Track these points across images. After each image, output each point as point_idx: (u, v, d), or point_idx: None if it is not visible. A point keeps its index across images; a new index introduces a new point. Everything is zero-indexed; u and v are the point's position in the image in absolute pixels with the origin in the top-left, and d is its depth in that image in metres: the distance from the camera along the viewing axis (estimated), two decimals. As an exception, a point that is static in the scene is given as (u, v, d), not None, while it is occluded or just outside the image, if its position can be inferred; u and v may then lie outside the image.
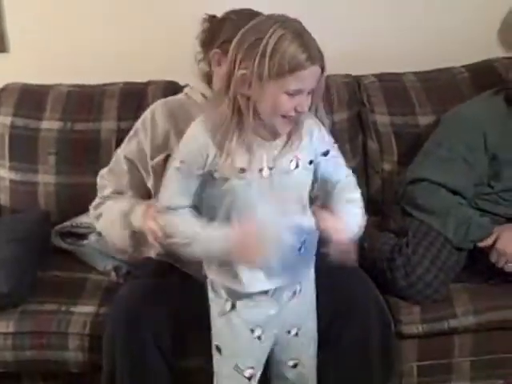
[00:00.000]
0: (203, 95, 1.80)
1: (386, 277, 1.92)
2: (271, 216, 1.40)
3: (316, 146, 1.45)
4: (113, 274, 1.96)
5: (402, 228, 2.02)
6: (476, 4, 2.44)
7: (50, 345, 1.78)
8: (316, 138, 1.44)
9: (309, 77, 1.32)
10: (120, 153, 1.84)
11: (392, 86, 2.32)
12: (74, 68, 2.33)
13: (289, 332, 1.52)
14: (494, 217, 2.01)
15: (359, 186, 2.21)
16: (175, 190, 1.41)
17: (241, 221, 1.38)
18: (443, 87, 2.31)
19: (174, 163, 1.42)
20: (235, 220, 1.40)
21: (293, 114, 1.35)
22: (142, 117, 1.83)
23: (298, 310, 1.51)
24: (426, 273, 1.90)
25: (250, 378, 1.49)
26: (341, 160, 1.52)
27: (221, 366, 1.50)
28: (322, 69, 1.35)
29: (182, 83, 2.25)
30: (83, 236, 2.09)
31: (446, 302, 1.91)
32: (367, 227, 2.13)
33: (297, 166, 1.42)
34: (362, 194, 2.21)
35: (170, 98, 1.88)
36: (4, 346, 1.78)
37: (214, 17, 1.75)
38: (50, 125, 2.20)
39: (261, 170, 1.39)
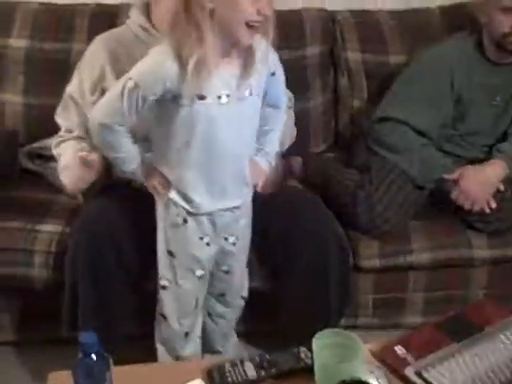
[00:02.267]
0: (142, 28, 1.77)
1: (348, 211, 1.97)
2: (231, 144, 1.47)
3: (266, 71, 1.47)
4: (80, 196, 1.96)
5: (366, 164, 2.06)
6: None
7: (15, 261, 1.80)
8: (264, 61, 1.45)
9: None
10: (67, 91, 1.84)
11: (366, 23, 2.32)
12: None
13: (226, 239, 1.60)
14: (457, 159, 2.06)
15: (328, 122, 2.27)
16: (118, 108, 1.41)
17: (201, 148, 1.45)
18: (417, 27, 2.31)
19: (126, 83, 1.40)
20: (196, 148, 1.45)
21: (256, 18, 1.33)
22: (84, 54, 1.84)
23: (237, 225, 1.60)
24: (386, 209, 1.95)
25: (200, 278, 1.60)
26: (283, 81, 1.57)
27: (174, 267, 1.58)
28: None
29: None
30: (52, 158, 2.07)
31: (404, 238, 1.96)
32: (333, 162, 2.21)
33: (250, 94, 1.45)
34: (331, 129, 2.31)
35: (110, 33, 1.85)
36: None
37: None
38: (18, 43, 2.15)
39: (219, 97, 1.41)
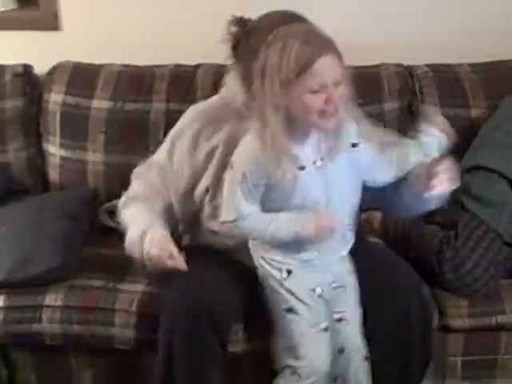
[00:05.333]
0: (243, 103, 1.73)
1: (434, 269, 1.90)
2: (334, 204, 1.53)
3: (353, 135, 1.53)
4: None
5: (449, 220, 1.99)
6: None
7: (96, 320, 1.80)
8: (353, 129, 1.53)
9: (323, 68, 1.37)
10: (154, 158, 1.83)
11: (445, 76, 2.28)
12: (125, 48, 2.34)
13: (333, 287, 1.60)
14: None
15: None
16: (242, 199, 1.50)
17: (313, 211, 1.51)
18: (498, 80, 2.25)
19: (234, 178, 1.50)
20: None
21: (325, 108, 1.40)
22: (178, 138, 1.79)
23: (338, 270, 1.61)
24: (475, 267, 1.87)
25: (325, 329, 1.59)
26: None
27: (298, 325, 1.56)
28: (338, 55, 1.40)
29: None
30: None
31: (495, 297, 1.88)
32: (413, 220, 2.15)
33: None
34: None
35: (207, 108, 1.83)
36: (52, 318, 1.80)
37: (241, 19, 1.69)
38: (100, 104, 2.21)
39: (314, 163, 1.50)
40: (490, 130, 2.03)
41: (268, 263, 1.58)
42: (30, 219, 1.92)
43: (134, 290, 1.83)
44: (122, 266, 1.92)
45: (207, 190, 1.71)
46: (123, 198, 1.83)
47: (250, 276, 1.65)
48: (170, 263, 1.63)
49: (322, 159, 1.50)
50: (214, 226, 1.69)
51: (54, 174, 2.23)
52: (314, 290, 1.57)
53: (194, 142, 1.74)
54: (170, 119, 2.13)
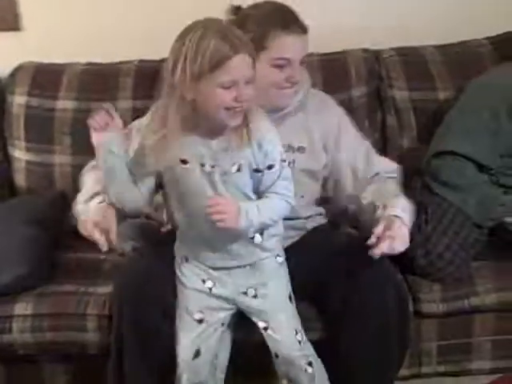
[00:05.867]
0: None
1: (406, 255, 1.89)
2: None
3: (263, 158, 1.50)
4: (132, 255, 1.95)
5: (420, 204, 1.99)
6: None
7: (68, 326, 1.79)
8: (265, 151, 1.49)
9: (236, 66, 1.39)
10: (135, 123, 1.84)
11: (411, 60, 2.28)
12: (89, 46, 2.31)
13: (245, 293, 1.59)
14: (517, 193, 1.98)
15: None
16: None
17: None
18: (465, 60, 2.25)
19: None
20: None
21: (234, 104, 1.41)
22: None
23: (251, 274, 1.60)
24: (446, 250, 1.88)
25: (200, 321, 1.59)
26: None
27: (178, 308, 1.61)
28: (251, 56, 1.42)
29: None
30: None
31: (467, 280, 1.89)
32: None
33: (238, 170, 1.50)
34: None
35: None
36: (23, 328, 1.78)
37: (238, 8, 1.70)
38: (65, 104, 2.19)
39: (203, 166, 1.49)
40: (456, 115, 2.02)
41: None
42: (-4, 225, 1.90)
43: (105, 292, 1.81)
44: (93, 270, 1.91)
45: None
46: (86, 167, 1.81)
47: None
48: (96, 234, 1.59)
49: (212, 167, 1.49)
50: None
51: (20, 179, 2.21)
52: (204, 282, 1.59)
53: None
54: (137, 116, 2.12)
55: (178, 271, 1.63)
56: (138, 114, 2.13)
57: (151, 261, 1.68)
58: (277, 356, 1.62)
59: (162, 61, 2.23)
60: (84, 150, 2.14)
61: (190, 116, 1.46)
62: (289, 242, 1.76)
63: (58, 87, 2.21)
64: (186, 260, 1.62)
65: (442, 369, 1.96)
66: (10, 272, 1.79)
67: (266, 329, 1.61)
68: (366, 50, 2.30)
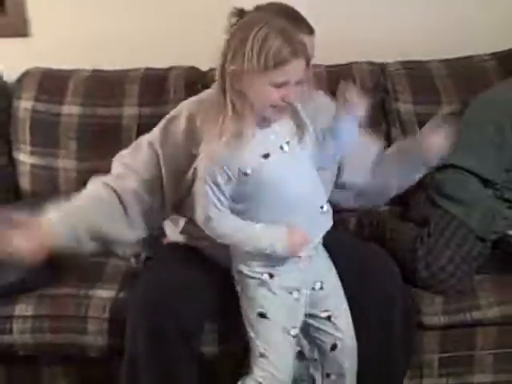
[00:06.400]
0: None
1: (408, 267, 1.90)
2: (304, 189, 1.52)
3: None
4: (132, 259, 1.96)
5: (424, 217, 2.00)
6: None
7: (68, 328, 1.79)
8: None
9: (293, 69, 1.43)
10: (145, 137, 1.75)
11: (417, 73, 2.29)
12: (96, 53, 2.32)
13: (313, 288, 1.59)
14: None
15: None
16: (209, 202, 1.50)
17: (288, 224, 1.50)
18: (470, 75, 2.26)
19: (201, 182, 1.51)
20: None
21: (281, 103, 1.45)
22: (174, 119, 1.73)
23: (317, 267, 1.59)
24: (448, 263, 1.87)
25: (294, 337, 1.58)
26: None
27: (269, 330, 1.55)
28: (307, 61, 1.47)
29: (203, 69, 2.25)
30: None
31: (470, 293, 1.88)
32: (388, 215, 2.15)
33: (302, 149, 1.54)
34: None
35: (201, 99, 1.77)
36: (23, 329, 1.78)
37: (242, 11, 1.70)
38: (70, 110, 2.20)
39: (281, 148, 1.50)
40: (461, 129, 2.02)
41: (247, 268, 1.56)
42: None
43: (106, 296, 1.82)
44: (94, 273, 1.91)
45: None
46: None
47: (225, 277, 1.63)
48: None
49: (287, 143, 1.51)
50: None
51: (25, 182, 2.21)
52: (291, 293, 1.55)
53: (190, 124, 1.68)
54: (143, 123, 2.14)
55: (265, 290, 1.55)
56: (143, 120, 2.16)
57: (176, 276, 1.66)
58: (334, 348, 1.61)
59: (169, 69, 2.28)
60: (89, 155, 2.19)
61: (242, 108, 1.46)
62: None
63: (64, 93, 2.22)
64: (271, 276, 1.55)
65: (443, 381, 1.94)
66: (12, 274, 1.78)
67: (329, 318, 1.60)
68: (371, 63, 2.31)
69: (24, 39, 2.36)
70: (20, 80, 2.26)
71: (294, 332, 1.56)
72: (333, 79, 2.25)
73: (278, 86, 1.43)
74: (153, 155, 1.69)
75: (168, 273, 1.68)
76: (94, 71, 2.28)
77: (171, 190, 1.69)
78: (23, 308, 1.79)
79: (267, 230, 1.49)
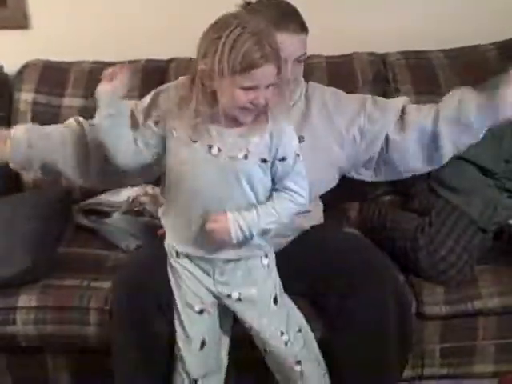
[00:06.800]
0: None
1: (409, 257, 1.90)
2: (215, 197, 1.49)
3: (274, 150, 1.48)
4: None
5: (425, 207, 2.00)
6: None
7: (71, 319, 1.79)
8: (277, 143, 1.47)
9: (262, 74, 1.40)
10: None
11: (418, 63, 2.28)
12: (96, 45, 2.32)
13: (229, 296, 1.58)
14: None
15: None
16: None
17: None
18: (471, 65, 2.26)
19: None
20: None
21: (249, 106, 1.42)
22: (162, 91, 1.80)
23: (236, 275, 1.57)
24: (449, 253, 1.88)
25: (201, 312, 1.58)
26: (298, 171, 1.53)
27: (176, 304, 1.59)
28: (278, 67, 1.42)
29: (204, 60, 2.25)
30: (106, 214, 2.09)
31: (471, 283, 1.88)
32: (389, 206, 2.15)
33: (245, 158, 1.47)
34: None
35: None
36: (27, 320, 1.79)
37: (248, 3, 1.71)
38: (71, 102, 2.21)
39: (210, 147, 1.47)
40: None
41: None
42: (1, 220, 1.90)
43: (107, 287, 1.81)
44: (96, 265, 1.91)
45: None
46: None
47: None
48: None
49: (219, 150, 1.47)
50: None
51: (27, 174, 2.21)
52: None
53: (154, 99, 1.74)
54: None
55: (171, 264, 1.60)
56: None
57: (148, 255, 1.69)
58: (265, 351, 1.62)
59: (170, 61, 2.28)
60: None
61: (210, 103, 1.46)
62: (285, 242, 1.74)
63: (64, 85, 2.22)
64: (177, 255, 1.58)
65: (444, 371, 1.95)
66: (15, 265, 1.80)
67: (250, 329, 1.61)
68: (372, 54, 2.31)
69: (24, 31, 2.36)
70: (21, 72, 2.27)
71: (198, 308, 1.58)
72: (333, 70, 2.25)
73: (247, 89, 1.41)
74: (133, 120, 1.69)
75: (147, 255, 1.71)
76: (95, 63, 2.27)
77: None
78: (26, 299, 1.80)
79: None
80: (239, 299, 1.57)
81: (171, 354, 1.62)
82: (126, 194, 2.10)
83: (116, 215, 2.09)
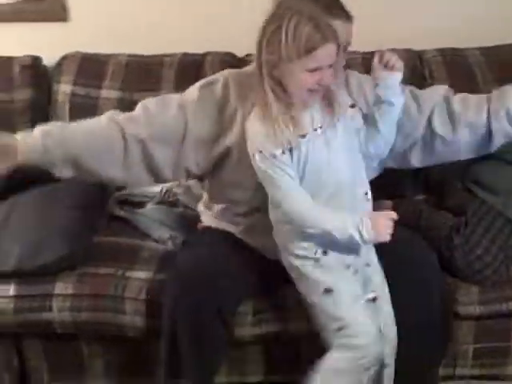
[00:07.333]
0: None
1: (444, 256, 1.88)
2: (342, 175, 1.57)
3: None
4: (170, 242, 1.97)
5: (460, 207, 1.98)
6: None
7: (105, 307, 1.81)
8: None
9: (324, 54, 1.49)
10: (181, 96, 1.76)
11: (454, 60, 2.27)
12: (134, 38, 2.34)
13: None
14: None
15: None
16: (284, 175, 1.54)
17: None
18: (507, 63, 2.23)
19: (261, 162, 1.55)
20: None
21: (316, 87, 1.52)
22: (210, 85, 1.74)
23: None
24: (485, 253, 1.86)
25: (373, 299, 1.61)
26: None
27: (339, 302, 1.57)
28: (338, 45, 1.52)
29: (239, 55, 2.26)
30: (140, 204, 2.11)
31: (506, 283, 1.87)
32: (424, 205, 2.13)
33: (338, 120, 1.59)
34: (420, 173, 2.24)
35: (241, 72, 1.79)
36: (62, 306, 1.81)
37: None
38: (109, 94, 2.23)
39: (315, 130, 1.56)
40: None
41: (301, 250, 1.58)
42: (40, 208, 1.93)
43: (143, 277, 1.83)
44: (132, 254, 1.93)
45: (228, 149, 1.69)
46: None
47: (261, 261, 1.68)
48: None
49: (321, 127, 1.56)
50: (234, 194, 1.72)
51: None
52: (348, 268, 1.59)
53: (225, 92, 1.70)
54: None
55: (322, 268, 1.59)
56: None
57: (212, 255, 1.69)
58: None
59: (206, 54, 2.29)
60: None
61: (281, 94, 1.52)
62: None
63: (102, 77, 2.25)
64: (325, 253, 1.58)
65: (476, 372, 1.94)
66: (53, 252, 1.82)
67: (374, 299, 1.61)
68: (408, 50, 2.29)
69: (63, 24, 2.38)
70: (59, 64, 2.29)
71: (371, 296, 1.60)
72: (369, 66, 2.23)
73: (312, 70, 1.49)
74: (179, 118, 1.69)
75: (205, 253, 1.70)
76: (132, 56, 2.29)
77: (188, 155, 1.70)
78: (63, 286, 1.82)
79: (347, 217, 1.53)
80: (368, 265, 1.62)
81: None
82: (159, 185, 2.12)
83: (150, 206, 2.11)
